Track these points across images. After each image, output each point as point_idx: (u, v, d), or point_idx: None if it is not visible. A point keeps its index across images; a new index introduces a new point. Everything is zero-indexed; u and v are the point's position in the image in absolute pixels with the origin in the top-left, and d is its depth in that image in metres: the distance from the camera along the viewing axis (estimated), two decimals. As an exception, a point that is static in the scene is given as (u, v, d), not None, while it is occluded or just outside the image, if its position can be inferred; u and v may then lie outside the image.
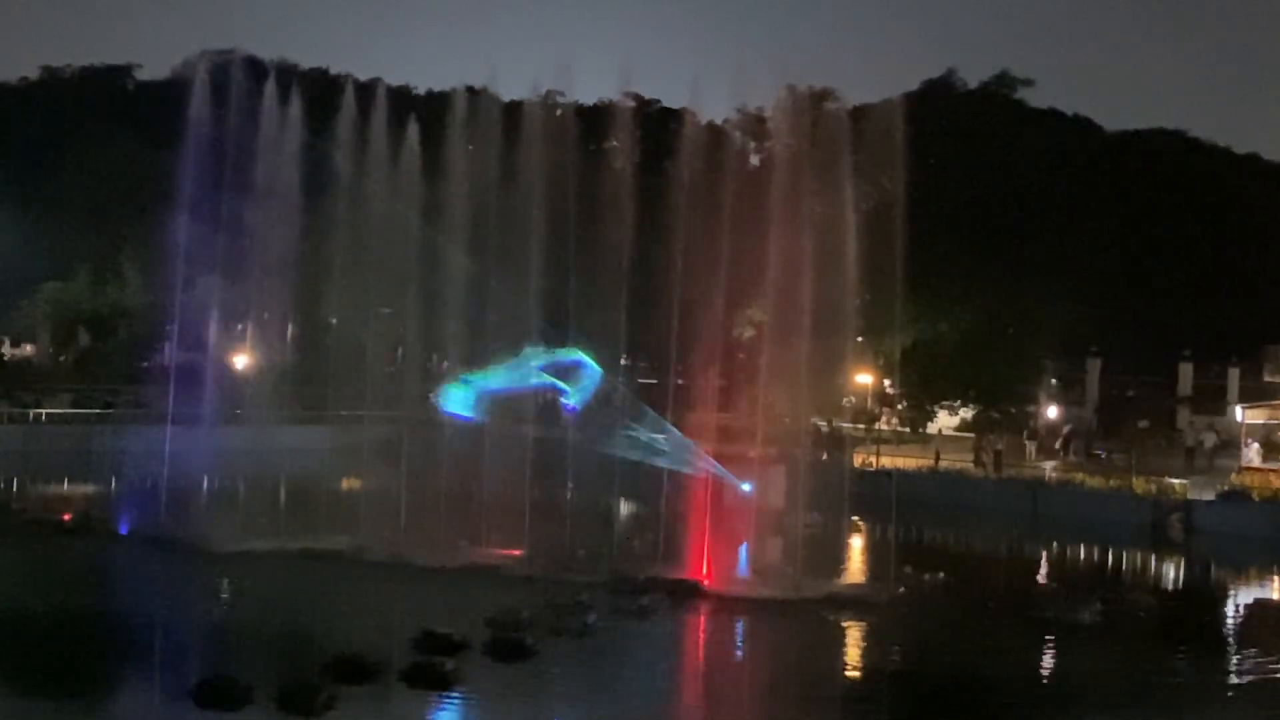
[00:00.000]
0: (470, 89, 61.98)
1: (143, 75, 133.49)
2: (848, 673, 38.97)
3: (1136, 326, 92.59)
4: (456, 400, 52.92)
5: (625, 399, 57.25)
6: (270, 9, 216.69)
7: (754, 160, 71.60)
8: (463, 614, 39.85)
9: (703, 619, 43.92)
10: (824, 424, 69.65)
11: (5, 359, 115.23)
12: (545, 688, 34.85)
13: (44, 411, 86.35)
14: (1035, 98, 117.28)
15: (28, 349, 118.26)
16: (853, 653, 41.56)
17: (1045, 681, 38.71)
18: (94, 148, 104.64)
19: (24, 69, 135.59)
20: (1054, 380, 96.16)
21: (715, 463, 52.31)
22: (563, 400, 52.79)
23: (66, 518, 55.96)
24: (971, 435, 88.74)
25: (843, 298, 51.34)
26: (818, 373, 52.39)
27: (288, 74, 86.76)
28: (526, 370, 52.56)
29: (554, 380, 52.68)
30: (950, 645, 40.83)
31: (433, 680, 32.55)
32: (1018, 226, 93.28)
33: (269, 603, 41.34)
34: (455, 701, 32.10)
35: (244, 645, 35.22)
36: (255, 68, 65.47)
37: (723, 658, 40.58)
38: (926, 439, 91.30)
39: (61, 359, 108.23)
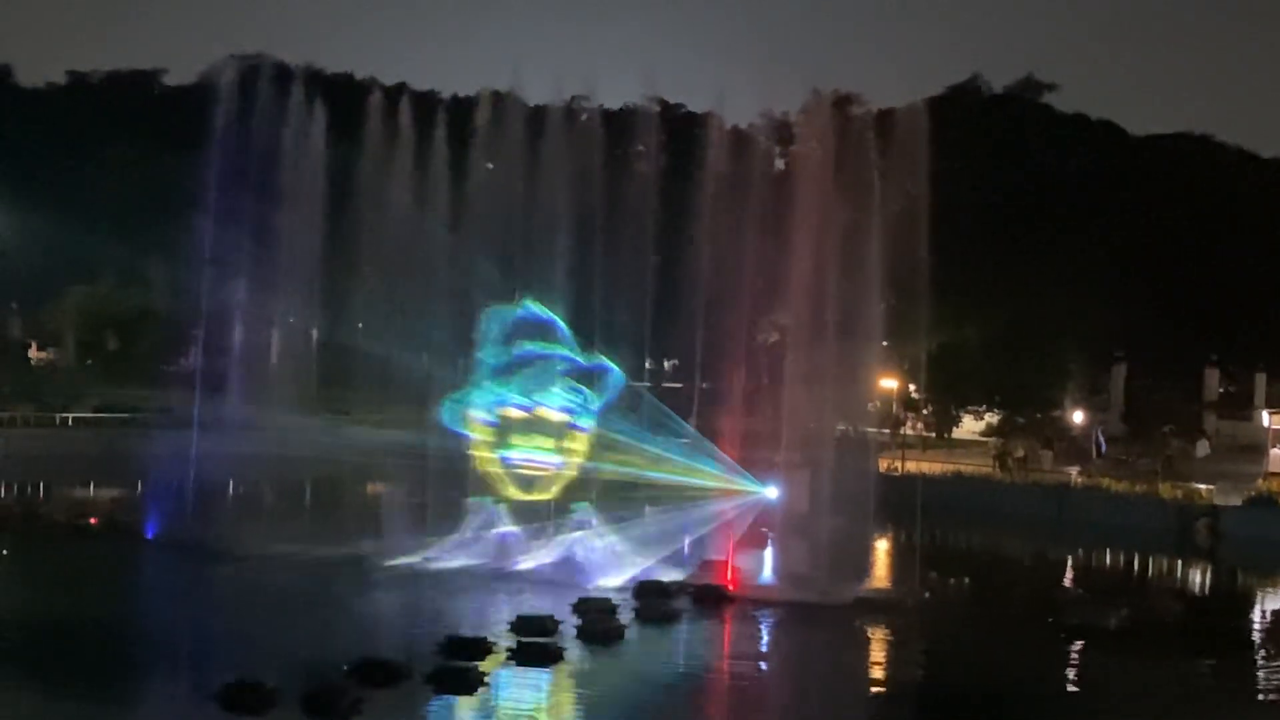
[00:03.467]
0: (495, 94, 62.03)
1: (169, 80, 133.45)
2: (874, 677, 38.94)
3: (1162, 332, 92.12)
4: (454, 412, 52.87)
5: (648, 405, 57.16)
6: (296, 14, 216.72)
7: (779, 165, 71.47)
8: (490, 618, 40.05)
9: (729, 623, 43.91)
10: (849, 429, 69.42)
11: (32, 363, 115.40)
12: (571, 692, 34.89)
13: (70, 415, 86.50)
14: (1060, 102, 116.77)
15: (54, 353, 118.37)
16: (879, 657, 41.54)
17: (1071, 688, 38.57)
18: (121, 152, 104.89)
19: (51, 75, 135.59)
20: (1079, 385, 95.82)
21: (739, 468, 52.32)
22: (572, 423, 52.64)
23: (93, 521, 56.14)
24: (996, 440, 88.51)
25: (867, 302, 51.28)
26: (842, 377, 52.25)
27: (313, 79, 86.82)
28: (550, 377, 52.47)
29: (577, 387, 52.58)
30: (976, 650, 40.77)
31: (459, 684, 32.56)
32: (1043, 231, 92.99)
33: (295, 606, 41.37)
34: (481, 705, 32.09)
35: (270, 648, 35.19)
36: (281, 73, 65.38)
37: (749, 662, 40.47)
38: (951, 444, 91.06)
39: (88, 363, 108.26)
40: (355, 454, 57.68)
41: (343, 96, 68.51)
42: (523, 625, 38.38)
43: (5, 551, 48.46)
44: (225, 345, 59.13)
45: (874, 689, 37.44)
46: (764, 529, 52.36)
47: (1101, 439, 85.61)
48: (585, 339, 53.59)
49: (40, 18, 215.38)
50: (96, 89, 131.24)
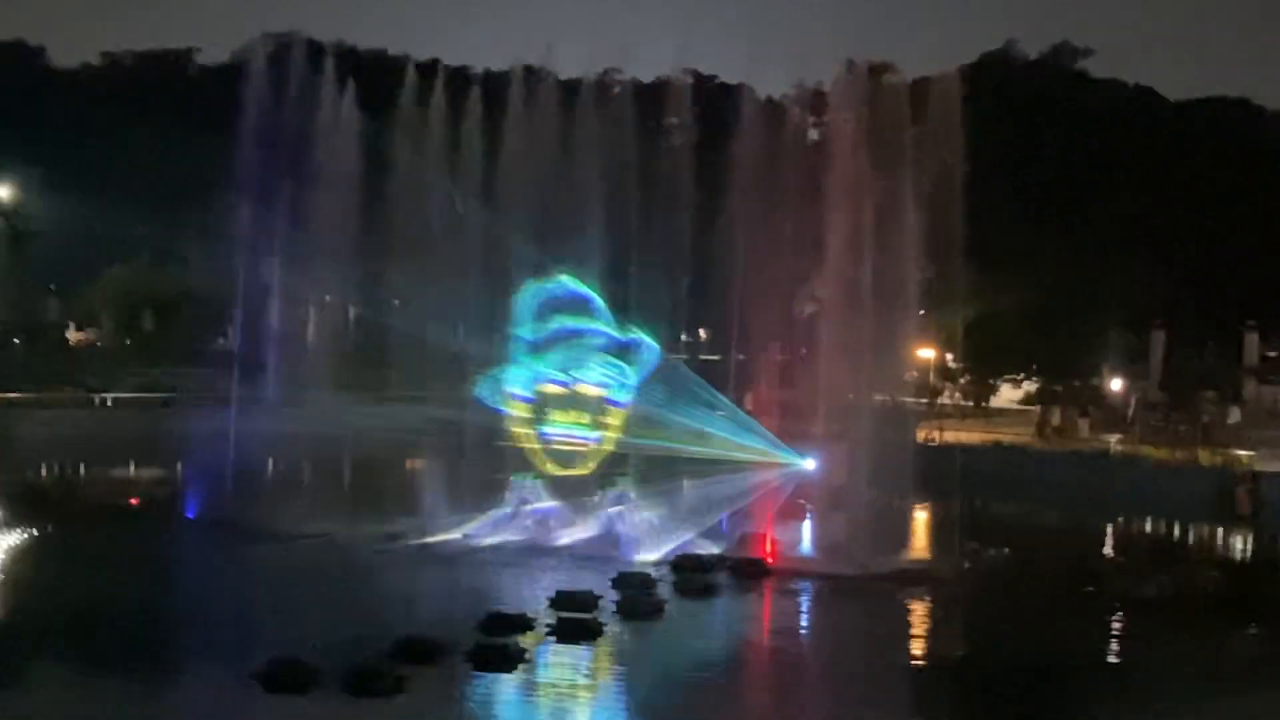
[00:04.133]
0: (528, 68, 61.90)
1: (203, 59, 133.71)
2: (915, 649, 38.81)
3: (1201, 297, 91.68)
4: (492, 389, 52.86)
5: (687, 377, 57.06)
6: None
7: (813, 135, 71.20)
8: (529, 594, 40.07)
9: (769, 596, 43.86)
10: (887, 399, 69.28)
11: (70, 344, 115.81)
12: (614, 668, 34.92)
13: (109, 396, 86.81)
14: (1096, 68, 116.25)
15: (92, 334, 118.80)
16: (920, 629, 41.39)
17: (1113, 658, 38.44)
18: (155, 132, 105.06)
19: (86, 55, 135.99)
20: (1117, 353, 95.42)
21: (777, 440, 52.21)
22: (609, 398, 52.55)
23: (133, 501, 56.37)
24: (1034, 409, 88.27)
25: (904, 272, 51.09)
26: (879, 347, 52.09)
27: (346, 56, 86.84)
28: (586, 352, 52.43)
29: (613, 361, 52.51)
30: (1017, 621, 40.66)
31: (500, 661, 32.55)
32: (1080, 198, 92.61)
33: (334, 585, 41.43)
34: (522, 682, 32.09)
35: (310, 627, 35.25)
36: (314, 50, 65.32)
37: (789, 635, 40.44)
38: (990, 413, 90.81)
39: (126, 344, 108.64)
40: (393, 432, 57.77)
41: (376, 73, 68.44)
42: (562, 601, 38.42)
43: (47, 530, 48.50)
44: (262, 324, 59.23)
45: (915, 661, 37.30)
46: (802, 501, 52.28)
47: (1140, 411, 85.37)
48: (621, 313, 53.52)
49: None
50: (130, 69, 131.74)
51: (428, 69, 68.28)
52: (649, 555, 46.45)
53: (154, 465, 67.52)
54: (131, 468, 69.79)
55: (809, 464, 51.73)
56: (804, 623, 42.49)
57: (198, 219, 79.50)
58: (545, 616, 37.02)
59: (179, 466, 61.42)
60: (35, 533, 48.24)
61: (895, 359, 56.05)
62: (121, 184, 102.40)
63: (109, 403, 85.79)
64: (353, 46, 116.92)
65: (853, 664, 36.27)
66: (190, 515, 51.49)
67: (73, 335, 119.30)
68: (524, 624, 35.80)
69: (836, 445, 52.29)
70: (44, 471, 68.83)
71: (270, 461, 59.15)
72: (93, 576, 41.62)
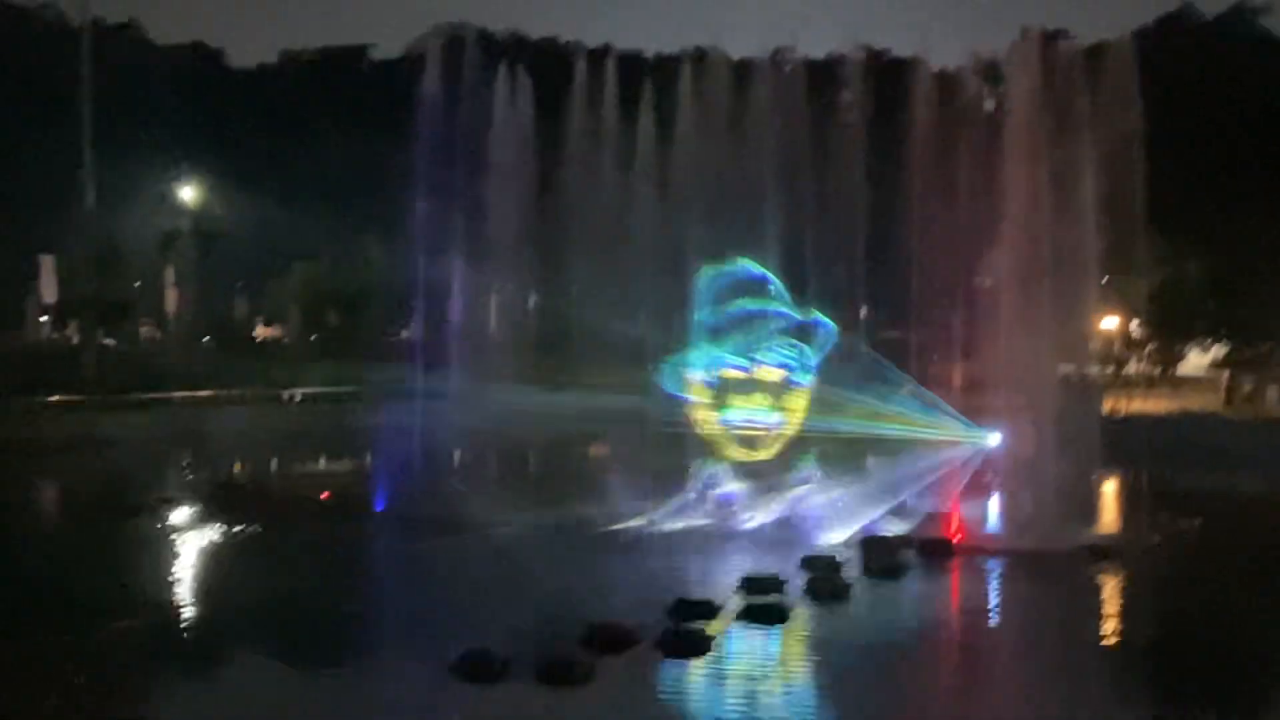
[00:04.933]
0: (699, 50, 61.97)
1: (377, 55, 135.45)
2: (1109, 627, 38.29)
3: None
4: (673, 375, 52.91)
5: (866, 355, 56.80)
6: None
7: (988, 105, 70.48)
8: (717, 579, 40.13)
9: (956, 575, 43.57)
10: (1071, 370, 68.46)
11: (257, 341, 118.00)
12: (804, 651, 34.87)
13: (297, 391, 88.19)
14: (1278, 25, 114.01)
15: (278, 330, 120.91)
16: (1111, 607, 40.89)
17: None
18: (333, 128, 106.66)
19: (264, 55, 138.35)
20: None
21: (960, 416, 51.82)
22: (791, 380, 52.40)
23: (324, 496, 57.18)
24: (1222, 376, 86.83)
25: (1085, 240, 50.48)
26: (1062, 318, 51.52)
27: (517, 45, 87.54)
28: (766, 334, 52.35)
29: (793, 343, 52.39)
30: (1213, 596, 39.90)
31: (690, 647, 32.61)
32: (1264, 158, 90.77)
33: (522, 574, 41.73)
34: (713, 668, 32.14)
35: (500, 618, 35.55)
36: (485, 40, 65.95)
37: (978, 614, 40.02)
38: (1177, 382, 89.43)
39: (312, 339, 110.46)
40: (575, 420, 58.16)
41: (548, 61, 68.85)
42: (749, 585, 38.47)
43: (240, 527, 49.37)
44: (442, 317, 59.86)
45: (1108, 641, 36.77)
46: (988, 477, 51.84)
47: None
48: (799, 293, 53.40)
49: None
50: (307, 67, 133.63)
51: (599, 55, 68.61)
52: (835, 536, 46.35)
53: (342, 460, 68.43)
54: (321, 463, 70.81)
55: (994, 439, 51.24)
56: (993, 601, 42.06)
57: (377, 213, 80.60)
58: (733, 601, 37.07)
59: (367, 460, 62.19)
60: (229, 530, 49.07)
61: (1078, 329, 55.41)
62: (303, 181, 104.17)
63: (297, 398, 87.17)
64: (524, 35, 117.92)
65: (1044, 643, 35.92)
66: (379, 508, 52.11)
67: (259, 332, 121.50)
68: (712, 609, 35.88)
69: (1021, 419, 51.75)
70: (236, 468, 70.04)
71: (456, 453, 59.73)
72: (286, 572, 42.37)
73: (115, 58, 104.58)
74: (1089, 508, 50.86)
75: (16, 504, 58.30)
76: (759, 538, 47.00)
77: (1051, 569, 42.79)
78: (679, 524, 48.49)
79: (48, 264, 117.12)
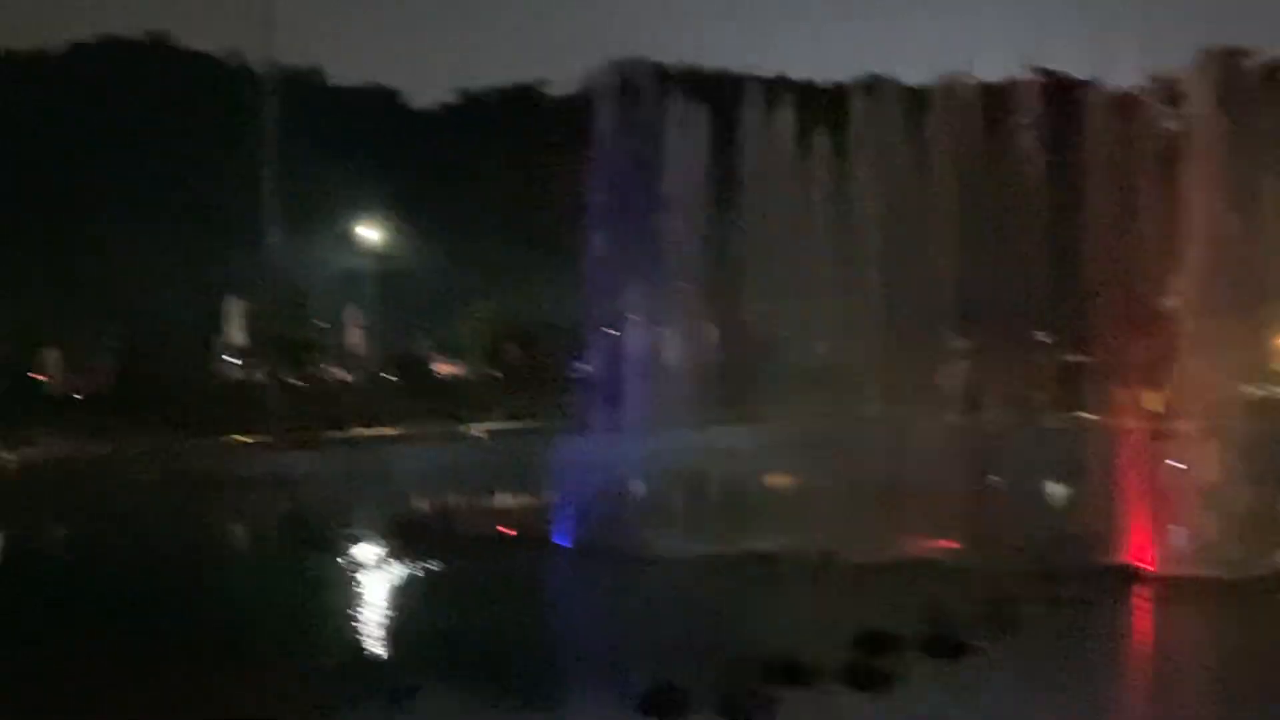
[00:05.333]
0: (873, 77, 61.94)
1: (552, 90, 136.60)
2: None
3: None
4: None
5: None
6: (671, 13, 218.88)
7: (1168, 126, 69.64)
8: (898, 611, 39.80)
9: (1142, 605, 42.96)
10: (1256, 391, 67.37)
11: (438, 376, 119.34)
12: (988, 686, 34.46)
13: (479, 426, 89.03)
14: None
15: (458, 366, 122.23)
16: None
17: None
18: (511, 164, 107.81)
19: (442, 95, 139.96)
20: None
21: (1144, 439, 51.15)
22: None
23: (507, 531, 57.58)
24: None
25: (1267, 261, 49.80)
26: (1245, 339, 50.81)
27: (692, 77, 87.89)
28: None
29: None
30: None
31: (872, 680, 32.41)
32: None
33: (704, 607, 41.85)
34: (896, 702, 31.92)
35: (682, 650, 35.60)
36: (659, 74, 66.40)
37: (1168, 647, 39.49)
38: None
39: (491, 373, 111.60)
40: (760, 448, 58.03)
41: (721, 92, 69.03)
42: (931, 617, 38.12)
43: (428, 563, 49.97)
44: (620, 349, 60.13)
45: None
46: (1172, 501, 50.98)
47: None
48: (975, 318, 53.15)
49: (426, 40, 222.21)
50: (485, 105, 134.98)
51: (774, 84, 68.75)
52: (1020, 565, 45.84)
53: (526, 494, 68.85)
54: (504, 497, 71.24)
55: (1178, 463, 50.46)
56: (1182, 630, 41.42)
57: (555, 248, 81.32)
58: (915, 632, 36.79)
59: (550, 494, 62.51)
60: (417, 565, 49.65)
61: (1262, 350, 54.63)
62: (481, 217, 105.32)
63: (479, 433, 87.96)
64: (697, 67, 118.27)
65: (1239, 676, 35.14)
66: (564, 543, 52.42)
67: (440, 368, 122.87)
68: (895, 641, 35.62)
69: (1206, 441, 50.98)
70: (420, 503, 70.71)
71: (637, 484, 59.83)
72: (474, 608, 42.74)
73: (298, 101, 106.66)
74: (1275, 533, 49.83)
75: (205, 540, 59.39)
76: (942, 567, 46.65)
77: (1243, 597, 42.02)
78: (860, 556, 48.18)
79: (233, 304, 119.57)
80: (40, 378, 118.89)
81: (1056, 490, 53.13)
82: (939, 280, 53.47)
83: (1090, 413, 55.03)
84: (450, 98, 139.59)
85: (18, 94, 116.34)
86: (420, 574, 48.78)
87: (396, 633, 40.70)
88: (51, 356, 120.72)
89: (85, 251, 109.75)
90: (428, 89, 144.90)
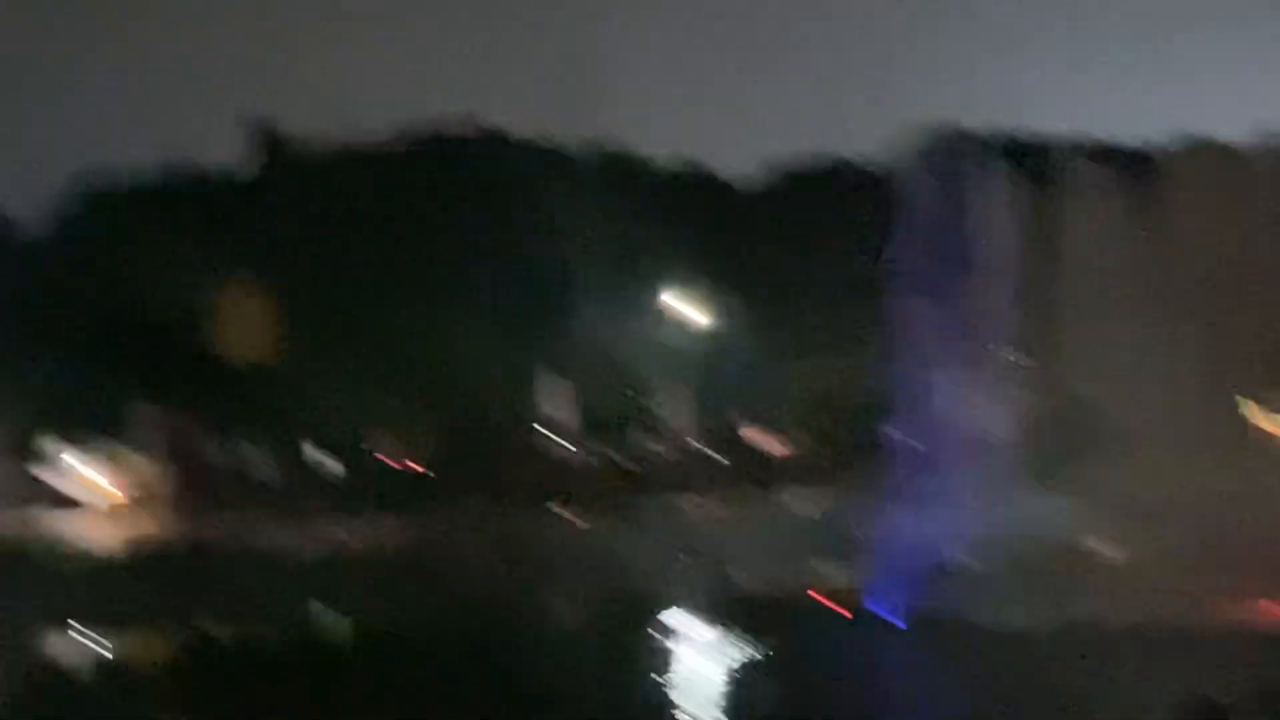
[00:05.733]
0: (1190, 138, 61.09)
1: (864, 158, 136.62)
2: None
3: None
4: None
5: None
6: (979, 77, 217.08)
7: None
8: (1237, 679, 38.67)
9: None
10: None
11: (753, 447, 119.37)
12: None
13: (797, 496, 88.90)
14: None
15: (773, 436, 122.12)
16: None
17: None
18: (822, 234, 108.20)
19: (752, 166, 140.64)
20: None
21: None
22: None
23: (835, 607, 57.36)
24: None
25: None
26: None
27: (999, 140, 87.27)
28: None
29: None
30: None
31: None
32: None
33: (1023, 675, 41.13)
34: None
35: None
36: (964, 138, 66.23)
37: None
38: None
39: (808, 443, 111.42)
40: (1080, 516, 57.12)
41: (1030, 154, 68.77)
42: (1268, 689, 37.10)
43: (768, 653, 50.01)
44: (938, 418, 59.79)
45: None
46: None
47: None
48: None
49: (734, 111, 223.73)
50: (793, 176, 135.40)
51: (1081, 149, 68.14)
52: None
53: (847, 566, 68.41)
54: (827, 568, 70.88)
55: None
56: None
57: (868, 317, 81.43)
58: (1252, 704, 35.79)
59: (871, 566, 62.12)
60: (747, 643, 49.79)
61: None
62: (796, 288, 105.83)
63: (798, 504, 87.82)
64: (1003, 130, 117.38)
65: None
66: (889, 616, 52.19)
67: (755, 438, 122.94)
68: (1225, 713, 34.65)
69: None
70: (742, 577, 70.77)
71: (963, 557, 59.24)
72: (804, 692, 42.63)
73: (613, 177, 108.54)
74: None
75: (528, 610, 60.12)
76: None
77: None
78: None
79: (549, 378, 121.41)
80: (380, 458, 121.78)
81: None
82: (1266, 338, 52.42)
83: None
84: (760, 170, 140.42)
85: (354, 186, 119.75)
86: (753, 652, 48.86)
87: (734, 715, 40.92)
88: (385, 436, 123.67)
89: (413, 335, 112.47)
90: (735, 160, 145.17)
